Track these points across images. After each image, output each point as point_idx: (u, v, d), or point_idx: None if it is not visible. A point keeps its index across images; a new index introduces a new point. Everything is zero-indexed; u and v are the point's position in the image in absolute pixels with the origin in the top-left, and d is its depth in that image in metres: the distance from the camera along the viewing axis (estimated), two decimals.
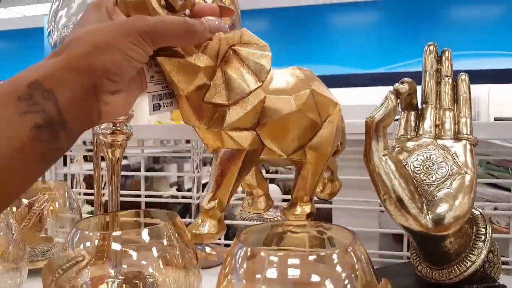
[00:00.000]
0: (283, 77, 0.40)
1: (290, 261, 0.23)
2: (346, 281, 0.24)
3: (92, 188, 0.66)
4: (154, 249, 0.34)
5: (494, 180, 0.64)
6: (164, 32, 0.29)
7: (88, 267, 0.30)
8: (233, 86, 0.34)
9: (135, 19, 0.29)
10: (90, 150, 0.89)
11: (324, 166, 0.41)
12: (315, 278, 0.24)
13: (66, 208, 0.57)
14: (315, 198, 0.44)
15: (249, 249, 0.25)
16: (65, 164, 0.85)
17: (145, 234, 0.33)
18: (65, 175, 0.81)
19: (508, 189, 0.62)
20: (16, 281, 0.40)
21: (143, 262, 0.34)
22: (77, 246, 0.32)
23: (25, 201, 0.53)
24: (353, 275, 0.24)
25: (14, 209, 0.51)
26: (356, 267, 0.25)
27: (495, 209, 0.63)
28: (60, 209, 0.55)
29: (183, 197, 0.90)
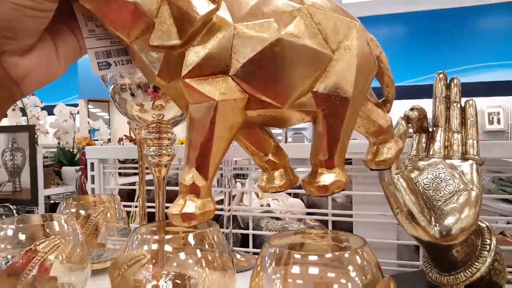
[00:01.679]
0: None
1: (310, 258, 0.29)
2: (356, 277, 0.30)
3: (125, 200, 0.73)
4: (198, 251, 0.41)
5: (507, 196, 0.68)
6: None
7: (147, 264, 0.37)
8: (182, 19, 0.26)
9: None
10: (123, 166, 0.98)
11: (348, 115, 0.29)
12: (330, 274, 0.30)
13: (115, 218, 0.65)
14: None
15: (277, 250, 0.31)
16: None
17: (190, 238, 0.40)
18: (112, 190, 0.90)
19: None
20: (82, 279, 0.48)
21: (189, 261, 0.41)
22: (137, 248, 0.39)
23: (82, 212, 0.61)
24: (361, 273, 0.30)
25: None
26: (366, 268, 0.31)
27: (508, 223, 0.67)
28: (111, 219, 0.63)
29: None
